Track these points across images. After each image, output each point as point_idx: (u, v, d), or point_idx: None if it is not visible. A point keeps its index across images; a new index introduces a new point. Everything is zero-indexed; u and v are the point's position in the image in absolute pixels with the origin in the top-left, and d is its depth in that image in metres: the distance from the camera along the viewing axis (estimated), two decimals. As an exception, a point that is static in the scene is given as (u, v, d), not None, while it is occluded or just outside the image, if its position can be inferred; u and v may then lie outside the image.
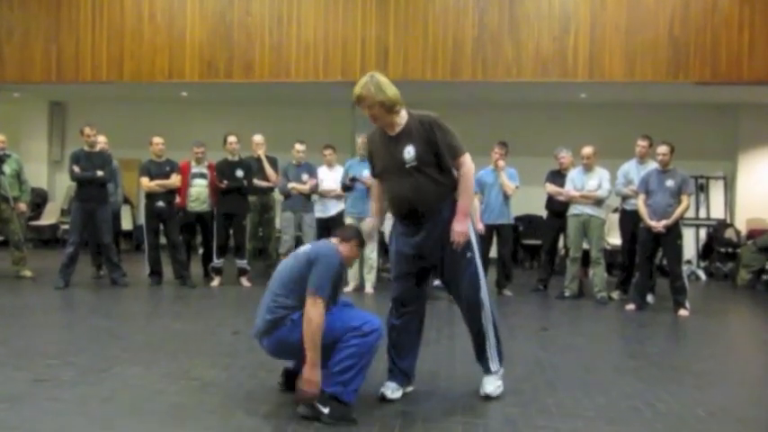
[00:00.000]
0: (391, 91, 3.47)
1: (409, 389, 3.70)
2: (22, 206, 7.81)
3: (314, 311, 3.19)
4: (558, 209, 7.55)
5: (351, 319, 3.35)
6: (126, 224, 9.99)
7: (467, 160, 3.55)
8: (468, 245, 3.55)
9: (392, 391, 3.59)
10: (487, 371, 3.69)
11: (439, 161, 3.51)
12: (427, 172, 3.50)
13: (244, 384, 3.75)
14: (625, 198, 7.24)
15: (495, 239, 7.48)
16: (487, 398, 3.61)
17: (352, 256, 3.64)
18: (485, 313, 3.62)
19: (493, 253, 7.62)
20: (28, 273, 7.68)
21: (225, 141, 7.59)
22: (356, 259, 4.23)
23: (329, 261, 3.36)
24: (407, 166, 3.49)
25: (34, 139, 11.67)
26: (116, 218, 8.17)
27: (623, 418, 3.38)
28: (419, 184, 3.49)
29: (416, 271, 3.68)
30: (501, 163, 7.33)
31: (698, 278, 9.43)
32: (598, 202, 7.14)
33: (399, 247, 3.69)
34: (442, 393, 3.72)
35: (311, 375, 3.20)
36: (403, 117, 3.57)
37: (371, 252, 7.29)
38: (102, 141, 7.70)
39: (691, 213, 8.79)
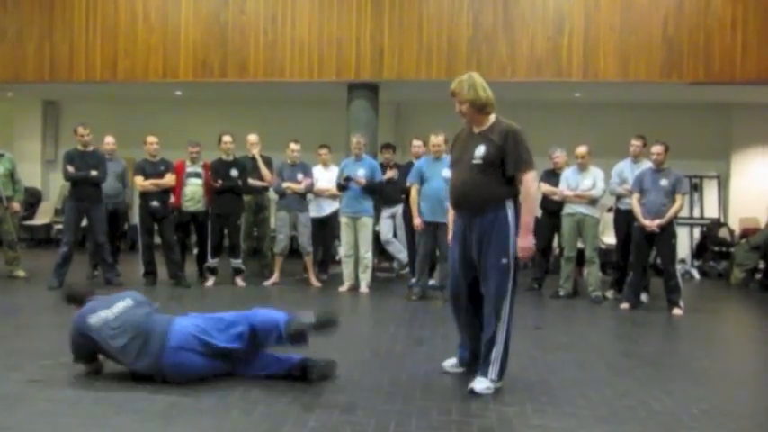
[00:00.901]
0: (483, 93, 3.73)
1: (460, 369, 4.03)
2: (16, 206, 7.78)
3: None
4: (552, 208, 7.56)
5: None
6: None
7: (529, 178, 3.71)
8: (504, 251, 3.70)
9: (451, 365, 4.07)
10: (484, 374, 3.72)
11: (503, 167, 3.71)
12: (489, 173, 3.71)
13: (238, 384, 3.74)
14: (619, 197, 7.26)
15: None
16: (472, 392, 3.66)
17: None
18: (501, 324, 3.74)
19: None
20: (21, 273, 7.66)
21: (219, 141, 7.58)
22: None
23: None
24: (474, 162, 3.74)
25: (28, 138, 11.63)
26: (123, 217, 8.17)
27: (618, 416, 3.39)
28: (477, 181, 3.72)
29: (464, 265, 3.87)
30: None
31: (692, 277, 9.47)
32: (592, 202, 7.16)
33: (452, 242, 3.98)
34: (438, 391, 3.72)
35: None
36: (491, 119, 3.82)
37: (366, 252, 7.30)
38: (109, 142, 7.70)
39: (685, 212, 8.81)
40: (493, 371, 3.72)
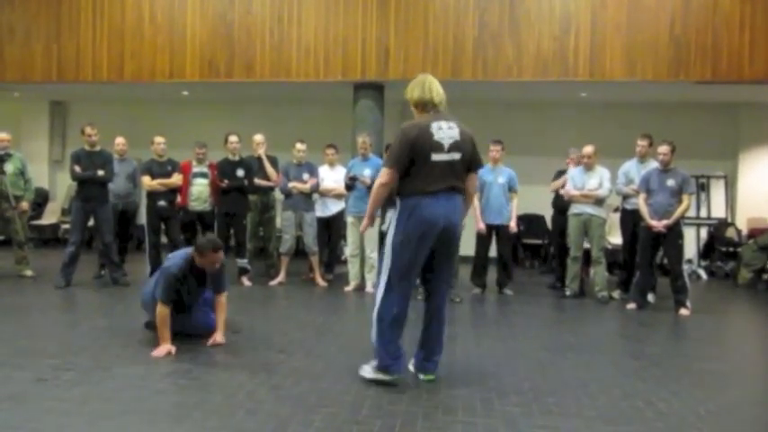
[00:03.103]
0: (410, 93, 3.90)
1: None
2: (25, 205, 7.81)
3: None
4: (564, 206, 7.55)
5: None
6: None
7: (384, 172, 3.83)
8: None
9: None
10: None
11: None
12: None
13: (245, 384, 3.76)
14: (626, 197, 7.24)
15: (494, 239, 7.47)
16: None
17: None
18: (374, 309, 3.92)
19: (492, 252, 7.61)
20: (29, 272, 7.69)
21: (226, 141, 7.60)
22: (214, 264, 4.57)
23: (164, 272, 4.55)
24: None
25: (35, 138, 11.69)
26: (133, 217, 8.20)
27: (624, 417, 3.39)
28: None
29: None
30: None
31: (699, 277, 9.43)
32: (599, 202, 7.14)
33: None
34: (443, 392, 3.72)
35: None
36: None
37: (372, 252, 7.29)
38: (120, 143, 7.72)
39: (692, 212, 8.77)
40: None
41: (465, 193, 3.90)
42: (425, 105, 3.86)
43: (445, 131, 3.77)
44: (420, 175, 3.73)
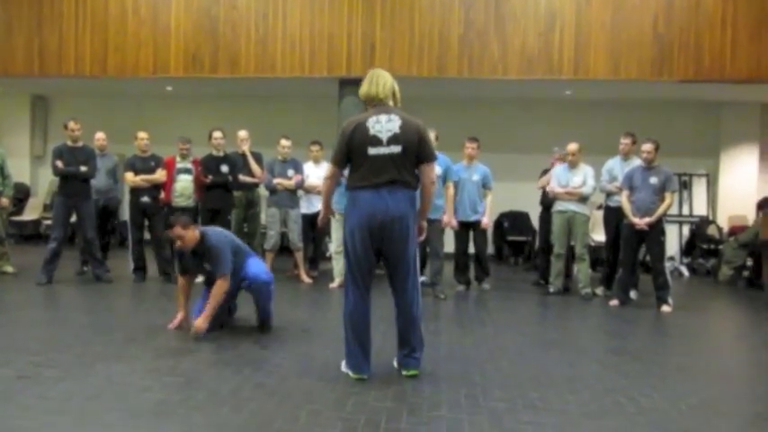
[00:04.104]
0: (365, 87, 3.94)
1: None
2: (5, 201, 7.72)
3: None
4: (551, 204, 7.58)
5: None
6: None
7: (327, 167, 4.05)
8: None
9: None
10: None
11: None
12: None
13: (229, 381, 3.74)
14: (609, 194, 7.29)
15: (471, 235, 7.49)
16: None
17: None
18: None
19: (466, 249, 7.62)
20: (10, 269, 7.60)
21: (210, 137, 7.55)
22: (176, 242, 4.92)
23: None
24: None
25: (16, 133, 11.55)
26: (114, 212, 8.13)
27: (607, 412, 3.42)
28: None
29: None
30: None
31: (681, 274, 9.53)
32: (582, 199, 7.19)
33: None
34: (428, 388, 3.73)
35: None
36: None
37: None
38: (100, 138, 7.64)
39: (674, 210, 8.87)
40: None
41: (412, 187, 3.83)
42: (372, 100, 3.89)
43: (383, 125, 3.77)
44: (360, 169, 3.78)
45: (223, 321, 5.04)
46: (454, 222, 7.23)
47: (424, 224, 4.04)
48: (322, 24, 8.85)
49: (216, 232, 4.98)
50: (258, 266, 5.02)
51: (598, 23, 8.47)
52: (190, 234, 4.81)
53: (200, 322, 4.73)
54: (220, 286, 4.78)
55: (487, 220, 7.44)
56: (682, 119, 10.43)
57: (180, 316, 5.01)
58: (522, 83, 8.89)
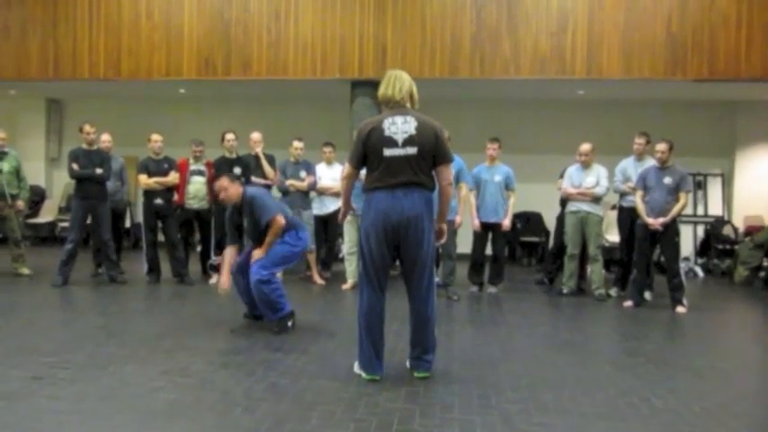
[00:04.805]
0: (382, 89, 3.93)
1: None
2: (21, 204, 7.80)
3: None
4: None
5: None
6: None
7: (344, 167, 4.10)
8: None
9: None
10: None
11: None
12: None
13: (241, 382, 3.75)
14: (623, 195, 7.24)
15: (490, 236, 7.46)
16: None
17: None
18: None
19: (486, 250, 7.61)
20: (26, 270, 7.68)
21: (223, 139, 7.59)
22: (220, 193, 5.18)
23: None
24: None
25: (31, 136, 11.66)
26: (122, 215, 8.17)
27: (620, 414, 3.39)
28: None
29: None
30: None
31: (695, 275, 9.45)
32: (596, 200, 7.14)
33: None
34: (440, 389, 3.72)
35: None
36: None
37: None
38: (105, 140, 7.69)
39: (688, 210, 8.79)
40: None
41: (428, 188, 3.83)
42: (388, 101, 3.90)
43: (399, 126, 3.77)
44: (376, 170, 3.80)
45: (264, 314, 5.15)
46: (476, 223, 7.21)
47: (444, 227, 4.03)
48: (334, 27, 8.86)
49: (256, 188, 5.37)
50: (270, 257, 5.07)
51: (611, 23, 8.42)
52: (234, 188, 5.08)
53: (258, 253, 5.00)
54: (275, 225, 4.97)
55: (508, 222, 7.36)
56: (696, 118, 10.34)
57: (224, 278, 5.17)
58: (534, 83, 8.85)
